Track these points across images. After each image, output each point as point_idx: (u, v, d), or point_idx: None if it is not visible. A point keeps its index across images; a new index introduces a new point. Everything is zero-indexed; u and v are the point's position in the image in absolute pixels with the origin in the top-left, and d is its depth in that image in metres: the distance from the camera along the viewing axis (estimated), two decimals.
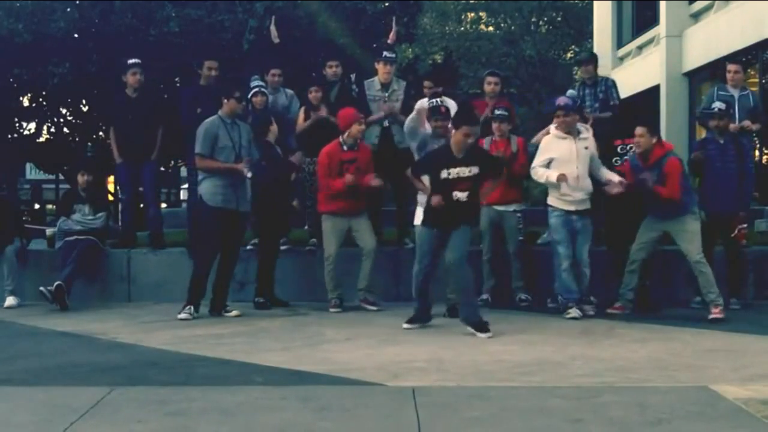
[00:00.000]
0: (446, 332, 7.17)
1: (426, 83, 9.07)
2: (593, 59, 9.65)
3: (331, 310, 8.31)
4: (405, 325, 7.33)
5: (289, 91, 9.58)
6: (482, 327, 6.96)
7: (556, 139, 7.94)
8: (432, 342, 6.73)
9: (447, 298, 7.85)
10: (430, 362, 5.95)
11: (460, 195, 7.06)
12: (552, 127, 8.03)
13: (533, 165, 8.02)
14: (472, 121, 7.15)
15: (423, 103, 8.32)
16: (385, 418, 4.55)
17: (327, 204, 8.41)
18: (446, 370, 5.73)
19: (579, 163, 7.83)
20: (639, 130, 7.86)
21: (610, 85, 9.47)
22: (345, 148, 8.29)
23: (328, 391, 5.10)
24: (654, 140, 7.86)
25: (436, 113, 7.51)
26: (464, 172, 7.06)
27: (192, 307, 7.94)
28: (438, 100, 7.67)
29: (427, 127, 7.66)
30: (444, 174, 7.06)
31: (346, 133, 8.26)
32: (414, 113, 7.81)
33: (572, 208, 7.89)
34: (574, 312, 7.76)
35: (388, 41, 10.05)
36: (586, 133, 7.99)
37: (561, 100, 8.09)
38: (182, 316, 7.88)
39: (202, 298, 8.09)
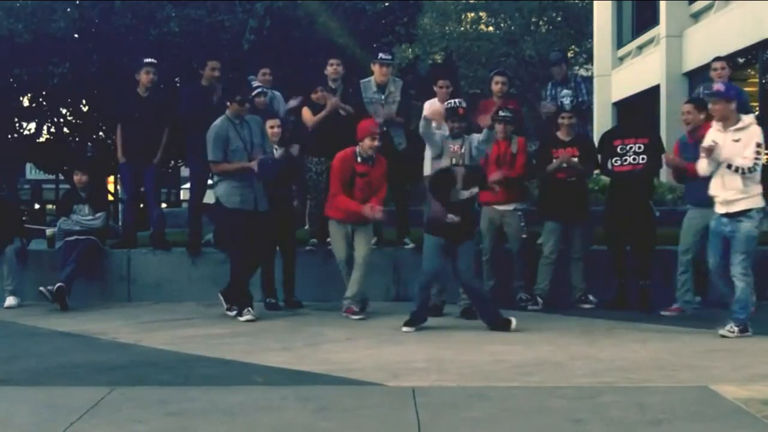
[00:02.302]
0: (446, 332, 7.18)
1: (441, 83, 8.70)
2: (564, 58, 9.86)
3: (352, 317, 7.84)
4: (404, 328, 7.23)
5: (277, 93, 9.53)
6: (504, 324, 7.19)
7: (714, 131, 6.98)
8: (432, 342, 6.73)
9: (460, 299, 7.82)
10: (430, 362, 5.95)
11: (455, 219, 7.16)
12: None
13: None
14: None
15: (433, 104, 8.26)
16: (385, 418, 4.56)
17: (333, 211, 8.07)
18: (446, 370, 5.73)
19: (723, 156, 6.77)
20: (686, 106, 7.52)
21: (579, 81, 9.66)
22: (359, 159, 7.89)
23: (328, 391, 5.11)
24: (702, 116, 7.44)
25: (453, 114, 7.38)
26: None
27: (250, 309, 7.79)
28: (456, 101, 7.55)
29: (445, 129, 7.48)
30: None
31: (359, 145, 7.90)
32: (423, 120, 7.65)
33: (722, 210, 6.87)
34: (726, 329, 6.81)
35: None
36: (745, 122, 6.86)
37: (714, 86, 7.19)
38: (246, 318, 7.70)
39: (252, 299, 7.92)
